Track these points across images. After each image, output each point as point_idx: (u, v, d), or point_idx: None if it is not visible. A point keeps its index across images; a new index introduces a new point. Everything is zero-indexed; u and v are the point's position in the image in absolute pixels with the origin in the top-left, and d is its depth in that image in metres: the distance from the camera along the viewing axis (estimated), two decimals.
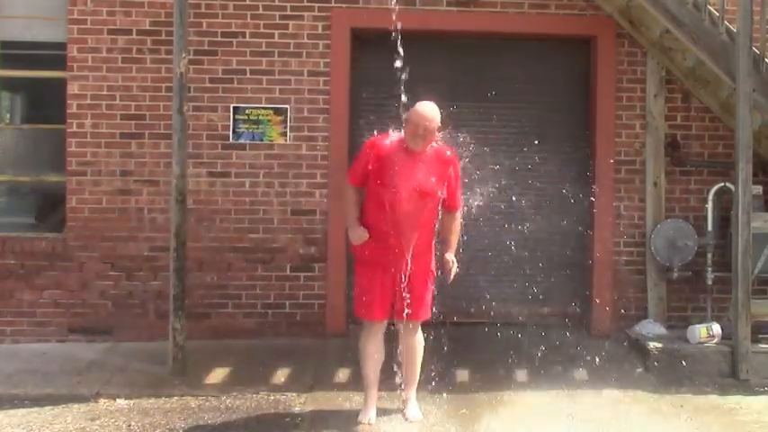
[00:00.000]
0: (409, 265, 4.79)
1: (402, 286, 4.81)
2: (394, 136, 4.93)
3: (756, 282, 6.48)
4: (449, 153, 4.94)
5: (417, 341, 5.06)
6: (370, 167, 4.82)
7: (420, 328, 5.05)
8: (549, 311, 7.24)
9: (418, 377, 5.12)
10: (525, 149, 7.23)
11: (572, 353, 6.55)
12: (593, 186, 7.02)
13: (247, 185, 6.87)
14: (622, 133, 7.04)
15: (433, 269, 5.01)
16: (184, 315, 5.91)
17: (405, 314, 4.84)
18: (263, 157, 6.88)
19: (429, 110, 4.81)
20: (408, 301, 4.81)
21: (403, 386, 5.10)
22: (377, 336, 4.98)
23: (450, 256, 4.98)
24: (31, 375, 5.91)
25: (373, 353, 5.00)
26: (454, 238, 5.05)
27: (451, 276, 4.95)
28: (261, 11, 6.85)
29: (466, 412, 5.28)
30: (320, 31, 6.87)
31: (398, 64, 7.11)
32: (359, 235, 4.90)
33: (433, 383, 5.46)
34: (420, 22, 6.93)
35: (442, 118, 4.84)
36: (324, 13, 6.87)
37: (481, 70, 7.21)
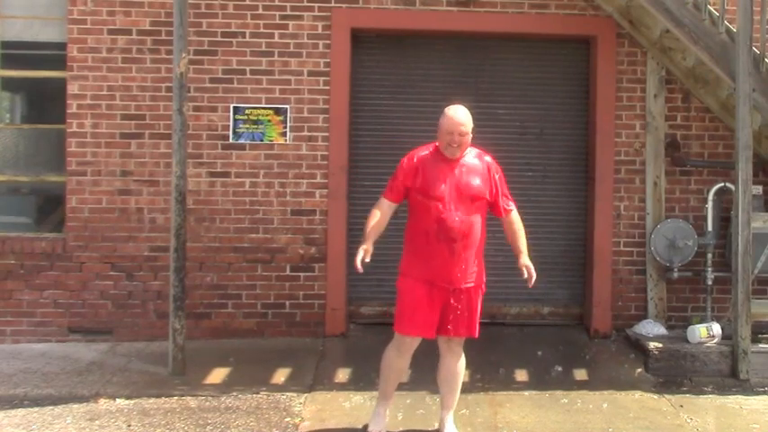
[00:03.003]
0: (463, 279, 4.60)
1: (451, 302, 4.60)
2: (427, 147, 4.76)
3: (756, 282, 6.48)
4: (487, 156, 4.78)
5: (460, 366, 4.80)
6: (409, 183, 4.65)
7: (462, 350, 4.81)
8: (549, 311, 7.25)
9: (457, 398, 4.88)
10: (525, 149, 7.24)
11: (572, 353, 6.57)
12: (594, 186, 7.03)
13: (247, 185, 6.87)
14: (622, 133, 7.04)
15: (483, 284, 4.77)
16: (184, 315, 5.92)
17: (450, 330, 4.63)
18: (263, 157, 6.88)
19: (462, 114, 4.64)
20: (456, 316, 4.61)
21: (441, 407, 4.89)
22: (408, 352, 4.72)
23: (524, 261, 4.73)
24: (31, 375, 5.91)
25: (400, 369, 4.79)
26: (521, 242, 4.78)
27: (531, 282, 4.71)
28: (261, 11, 6.85)
29: (466, 413, 5.28)
30: (320, 31, 6.87)
31: (398, 64, 7.19)
32: (361, 255, 4.61)
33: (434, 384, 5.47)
34: (420, 22, 6.94)
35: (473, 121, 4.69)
36: (324, 13, 6.87)
37: (481, 70, 7.22)
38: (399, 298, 4.72)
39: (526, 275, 4.72)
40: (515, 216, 4.82)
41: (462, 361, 4.81)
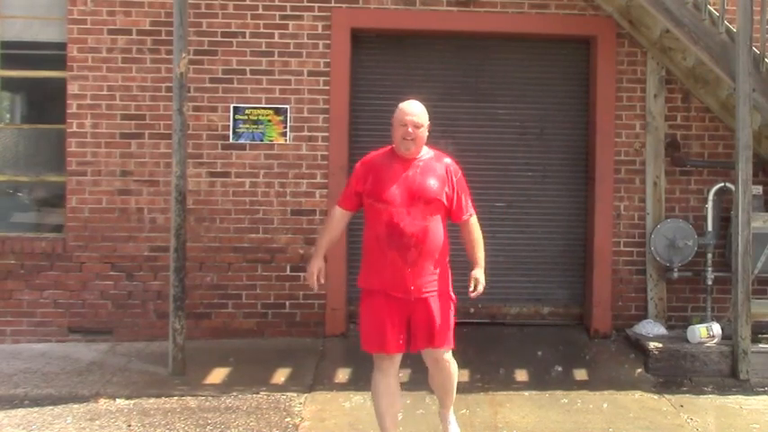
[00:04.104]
0: (419, 288, 4.25)
1: (414, 313, 4.27)
2: (383, 149, 4.47)
3: (756, 282, 6.49)
4: (447, 158, 4.45)
5: (450, 373, 4.47)
6: (361, 188, 4.36)
7: (450, 354, 4.45)
8: (549, 311, 7.25)
9: (454, 397, 4.62)
10: (525, 149, 7.24)
11: (572, 353, 6.57)
12: (594, 186, 7.03)
13: (247, 185, 6.87)
14: (622, 133, 7.04)
15: (452, 292, 4.42)
16: (184, 315, 5.92)
17: (420, 343, 4.32)
18: (263, 157, 6.88)
19: (415, 106, 4.36)
20: (422, 328, 4.28)
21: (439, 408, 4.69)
22: (387, 373, 4.36)
23: (476, 274, 4.40)
24: (31, 375, 5.91)
25: (389, 393, 4.39)
26: (477, 251, 4.46)
27: (472, 295, 4.40)
28: (261, 11, 6.85)
29: (466, 413, 5.28)
30: (320, 31, 6.87)
31: (398, 64, 7.18)
32: (311, 270, 4.47)
33: None
34: (420, 21, 6.94)
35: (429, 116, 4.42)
36: (324, 13, 6.87)
37: (481, 70, 7.22)
38: (360, 313, 4.43)
39: (472, 287, 4.38)
40: (474, 223, 4.49)
41: (452, 367, 4.48)
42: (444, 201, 4.34)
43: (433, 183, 4.31)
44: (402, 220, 4.23)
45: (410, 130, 4.28)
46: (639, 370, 6.19)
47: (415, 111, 4.34)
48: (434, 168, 4.36)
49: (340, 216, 4.51)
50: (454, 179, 4.39)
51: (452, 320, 4.40)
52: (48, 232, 6.99)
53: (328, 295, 6.85)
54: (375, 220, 4.31)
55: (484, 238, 4.52)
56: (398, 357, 4.39)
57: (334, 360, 6.37)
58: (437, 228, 4.32)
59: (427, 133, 4.39)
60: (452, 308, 4.41)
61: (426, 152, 4.41)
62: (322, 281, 4.51)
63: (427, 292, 4.29)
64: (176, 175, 5.87)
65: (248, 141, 6.86)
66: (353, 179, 4.45)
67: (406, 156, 4.33)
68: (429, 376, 4.56)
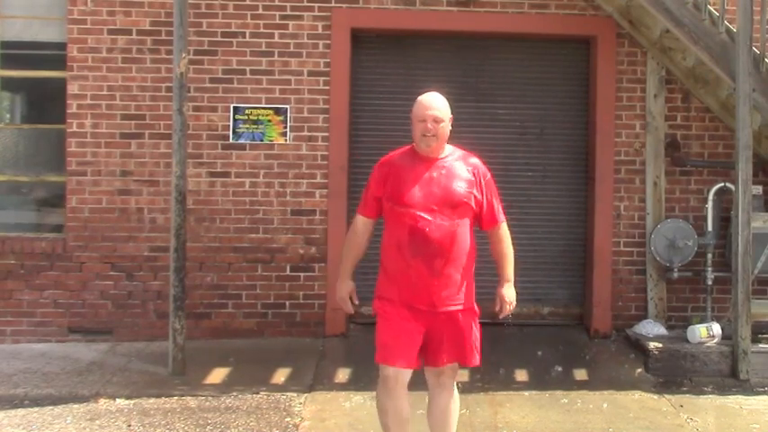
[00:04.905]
0: (444, 301, 3.89)
1: (435, 327, 3.91)
2: (403, 149, 4.12)
3: (756, 282, 6.49)
4: (473, 158, 4.06)
5: (453, 405, 4.06)
6: (380, 191, 3.99)
7: (455, 386, 4.10)
8: (549, 311, 7.25)
9: None
10: (525, 149, 7.24)
11: (572, 353, 6.57)
12: (594, 186, 7.03)
13: (247, 185, 6.87)
14: (622, 133, 7.04)
15: (475, 305, 4.05)
16: (184, 315, 5.92)
17: (438, 360, 3.95)
18: (263, 157, 6.88)
19: (435, 99, 4.01)
20: (442, 344, 3.93)
21: None
22: (397, 390, 3.90)
23: (505, 293, 4.08)
24: (31, 375, 5.91)
25: (397, 412, 3.93)
26: (507, 265, 4.11)
27: (502, 315, 4.11)
28: (261, 11, 6.85)
29: (466, 413, 5.28)
30: (320, 31, 6.87)
31: (398, 64, 7.18)
32: (341, 295, 4.11)
33: None
34: (420, 21, 6.94)
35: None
36: (324, 13, 6.87)
37: (481, 70, 7.22)
38: (377, 323, 4.03)
39: (498, 308, 4.09)
40: (505, 231, 4.12)
41: (456, 399, 4.09)
42: (473, 205, 3.97)
43: (460, 185, 3.94)
44: (427, 225, 3.86)
45: (430, 125, 3.92)
46: (639, 370, 6.19)
47: (435, 104, 3.98)
48: (461, 169, 3.98)
49: (363, 225, 4.10)
50: (483, 181, 4.01)
51: (478, 336, 4.05)
52: (48, 232, 6.99)
53: (328, 295, 6.85)
54: (396, 226, 3.94)
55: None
56: (407, 373, 3.95)
57: (334, 360, 6.37)
58: (464, 234, 3.94)
59: (450, 128, 4.01)
60: (477, 322, 4.06)
61: (451, 151, 4.05)
62: (356, 302, 4.14)
63: (454, 305, 3.92)
64: (176, 175, 5.87)
65: (248, 141, 6.86)
66: (372, 183, 4.06)
67: (427, 154, 3.96)
68: (429, 408, 4.11)
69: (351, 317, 7.00)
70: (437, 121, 3.93)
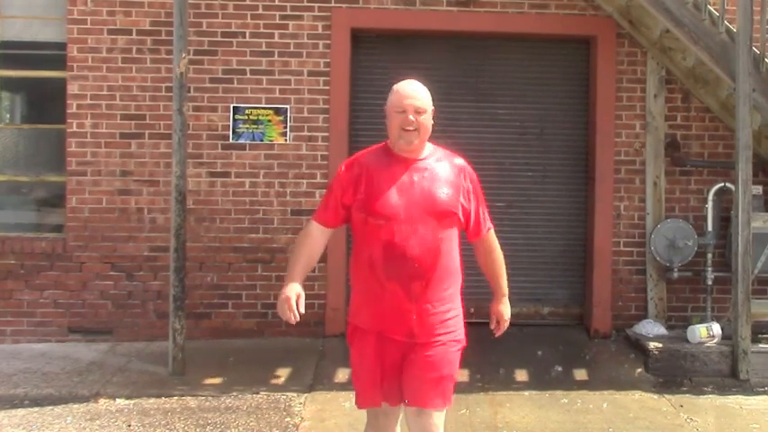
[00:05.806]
0: (426, 330, 3.30)
1: (411, 360, 3.32)
2: (375, 147, 3.50)
3: (756, 282, 6.49)
4: (458, 158, 3.47)
5: None
6: (349, 199, 3.35)
7: (441, 420, 3.39)
8: (549, 311, 7.25)
9: None
10: (525, 149, 7.24)
11: (572, 353, 6.57)
12: (594, 186, 7.03)
13: (247, 185, 6.87)
14: (622, 133, 7.04)
15: (460, 333, 3.42)
16: (184, 315, 5.92)
17: (412, 400, 3.33)
18: (263, 157, 6.88)
19: (414, 87, 3.37)
20: (418, 380, 3.30)
21: None
22: (386, 427, 3.51)
23: (503, 310, 3.55)
24: (31, 375, 5.92)
25: None
26: (500, 275, 3.54)
27: (498, 333, 3.61)
28: (261, 11, 6.85)
29: (466, 413, 5.28)
30: (320, 31, 6.87)
31: (398, 64, 7.18)
32: (286, 295, 3.29)
33: None
34: (420, 21, 6.94)
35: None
36: (324, 13, 6.87)
37: (481, 70, 7.22)
38: (351, 359, 3.49)
39: (494, 326, 3.58)
40: (493, 239, 3.53)
41: None
42: (460, 216, 3.38)
43: (445, 191, 3.33)
44: (405, 239, 3.25)
45: (411, 117, 3.29)
46: (639, 370, 6.19)
47: (415, 92, 3.34)
48: (445, 172, 3.38)
49: (319, 234, 3.44)
50: (471, 187, 3.43)
51: (457, 373, 3.43)
52: (48, 232, 6.99)
53: (328, 295, 6.86)
54: (368, 240, 3.31)
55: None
56: (392, 411, 3.47)
57: (334, 360, 6.36)
58: (449, 250, 3.35)
59: (432, 121, 3.40)
60: (459, 356, 3.43)
61: (432, 151, 3.44)
62: (302, 310, 3.31)
63: (438, 335, 3.32)
64: (176, 175, 5.87)
65: (248, 141, 6.87)
66: (337, 187, 3.41)
67: (406, 154, 3.35)
68: None
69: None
70: (419, 111, 3.31)
